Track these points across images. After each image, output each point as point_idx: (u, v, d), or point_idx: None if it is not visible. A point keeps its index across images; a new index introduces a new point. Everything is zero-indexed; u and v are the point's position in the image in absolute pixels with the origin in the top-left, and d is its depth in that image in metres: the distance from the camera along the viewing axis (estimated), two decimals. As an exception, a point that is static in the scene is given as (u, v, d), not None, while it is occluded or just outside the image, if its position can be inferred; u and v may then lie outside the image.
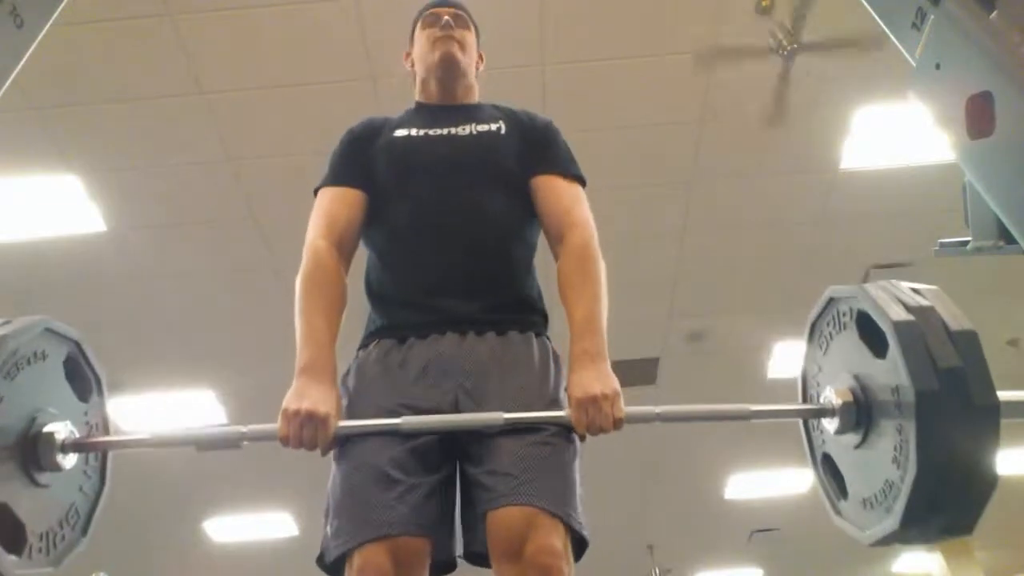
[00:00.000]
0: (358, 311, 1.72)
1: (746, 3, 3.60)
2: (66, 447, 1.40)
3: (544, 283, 1.77)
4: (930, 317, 1.34)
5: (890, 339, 1.34)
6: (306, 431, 1.46)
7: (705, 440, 6.46)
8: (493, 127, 1.80)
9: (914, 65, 1.44)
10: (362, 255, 1.78)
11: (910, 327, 1.32)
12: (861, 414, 1.43)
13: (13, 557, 1.29)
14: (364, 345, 1.68)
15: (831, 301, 1.54)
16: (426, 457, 1.51)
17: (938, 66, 1.38)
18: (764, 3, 3.60)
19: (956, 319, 1.34)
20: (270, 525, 7.29)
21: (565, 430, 1.53)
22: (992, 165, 1.31)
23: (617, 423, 1.48)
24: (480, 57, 1.97)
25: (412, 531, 1.44)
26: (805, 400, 1.63)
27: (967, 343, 1.31)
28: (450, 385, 1.57)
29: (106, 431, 1.56)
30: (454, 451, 1.55)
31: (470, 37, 1.91)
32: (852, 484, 1.49)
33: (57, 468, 1.39)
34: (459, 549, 1.57)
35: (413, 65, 1.95)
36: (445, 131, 1.78)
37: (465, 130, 1.78)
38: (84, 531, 1.48)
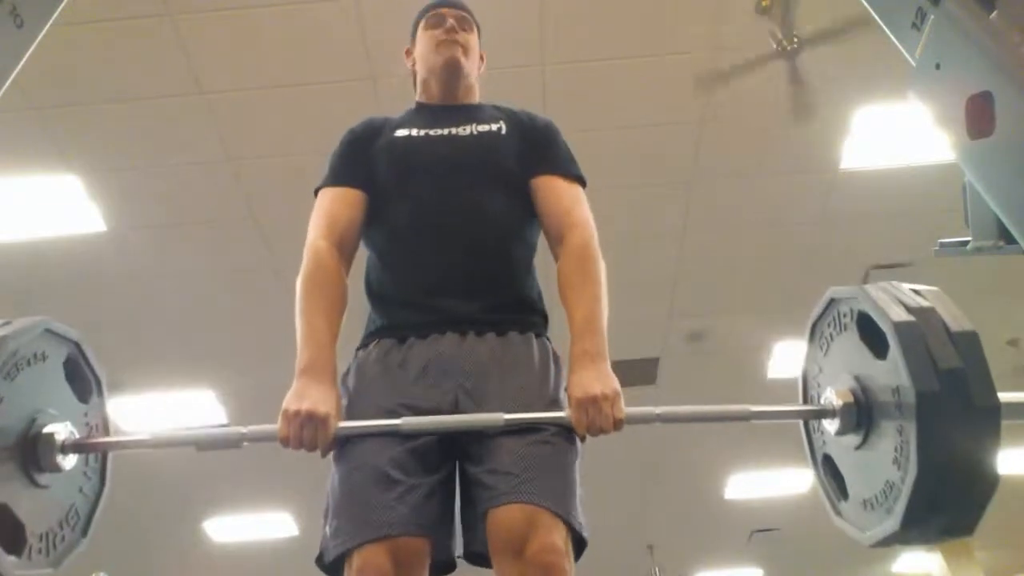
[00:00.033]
0: (358, 311, 1.72)
1: (746, 3, 3.60)
2: (66, 448, 1.40)
3: (544, 283, 1.77)
4: (931, 318, 1.34)
5: (891, 340, 1.34)
6: (306, 432, 1.46)
7: (705, 440, 6.46)
8: (494, 127, 1.80)
9: (914, 65, 1.44)
10: (362, 254, 1.78)
11: (911, 328, 1.32)
12: (862, 415, 1.43)
13: (13, 558, 1.29)
14: (364, 345, 1.68)
15: (832, 302, 1.54)
16: (426, 457, 1.51)
17: (938, 66, 1.38)
18: (764, 3, 3.60)
19: (957, 320, 1.34)
20: (270, 525, 7.29)
21: (566, 431, 1.52)
22: (992, 165, 1.31)
23: (617, 424, 1.48)
24: (481, 57, 1.97)
25: (412, 531, 1.44)
26: (806, 401, 1.63)
27: (968, 344, 1.31)
28: (450, 385, 1.57)
29: (106, 432, 1.56)
30: (454, 451, 1.55)
31: (473, 39, 1.91)
32: (853, 485, 1.49)
33: (57, 469, 1.39)
34: (459, 549, 1.57)
35: (414, 63, 1.95)
36: (446, 131, 1.78)
37: (466, 130, 1.78)
38: (84, 532, 1.48)
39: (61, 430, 1.40)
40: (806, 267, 4.92)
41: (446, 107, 1.86)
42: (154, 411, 5.63)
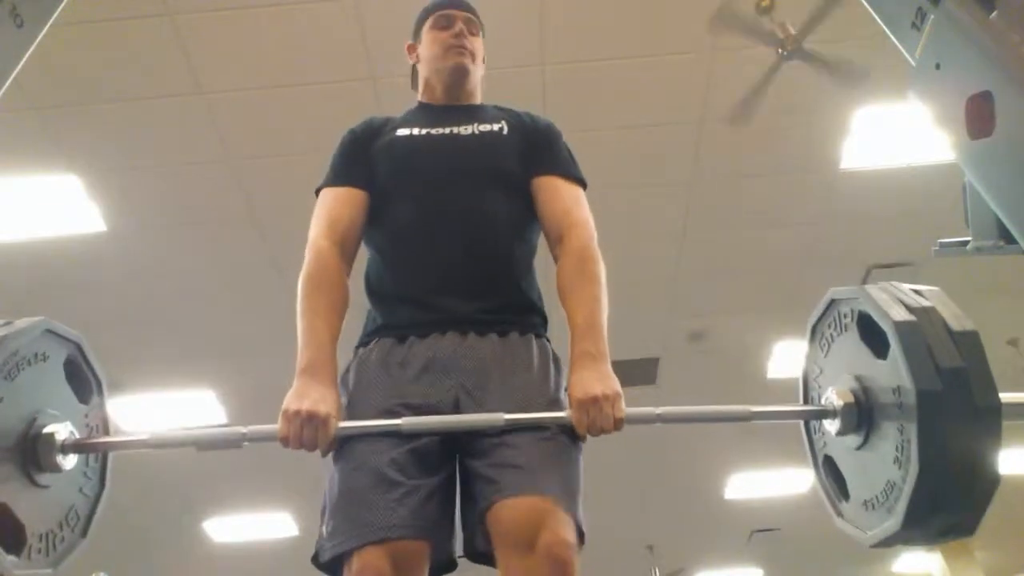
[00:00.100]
0: (358, 309, 1.72)
1: (746, 3, 3.60)
2: (66, 448, 1.40)
3: (544, 283, 1.77)
4: (931, 317, 1.34)
5: (891, 339, 1.34)
6: (306, 431, 1.46)
7: (705, 440, 6.47)
8: (495, 127, 1.80)
9: (914, 65, 1.44)
10: (362, 253, 1.78)
11: (911, 327, 1.32)
12: (862, 415, 1.43)
13: (12, 557, 1.29)
14: (364, 344, 1.68)
15: (832, 303, 1.54)
16: (426, 459, 1.51)
17: (938, 66, 1.38)
18: (764, 3, 3.60)
19: (957, 319, 1.34)
20: (270, 525, 7.29)
21: (567, 431, 1.52)
22: (992, 165, 1.31)
23: (618, 424, 1.47)
24: (482, 59, 1.97)
25: (411, 534, 1.43)
26: (806, 402, 1.63)
27: (969, 343, 1.31)
28: (451, 384, 1.57)
29: (106, 432, 1.56)
30: (454, 450, 1.55)
31: (479, 43, 1.91)
32: (853, 486, 1.49)
33: (57, 469, 1.39)
34: (459, 550, 1.57)
35: (417, 60, 1.94)
36: (448, 130, 1.78)
37: (468, 130, 1.78)
38: (84, 533, 1.48)
39: (61, 430, 1.39)
40: (806, 267, 4.92)
41: (448, 107, 1.86)
42: (154, 411, 5.63)
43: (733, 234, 4.79)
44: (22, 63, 1.51)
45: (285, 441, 1.46)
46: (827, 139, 4.21)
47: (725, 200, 4.56)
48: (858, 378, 1.45)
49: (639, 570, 8.11)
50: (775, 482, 7.12)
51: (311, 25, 3.53)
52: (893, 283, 1.44)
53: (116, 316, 4.80)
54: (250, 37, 3.57)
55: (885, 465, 1.37)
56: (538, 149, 1.79)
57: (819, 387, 1.58)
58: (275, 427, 1.47)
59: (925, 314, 1.34)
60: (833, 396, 1.47)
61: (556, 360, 1.67)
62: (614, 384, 1.49)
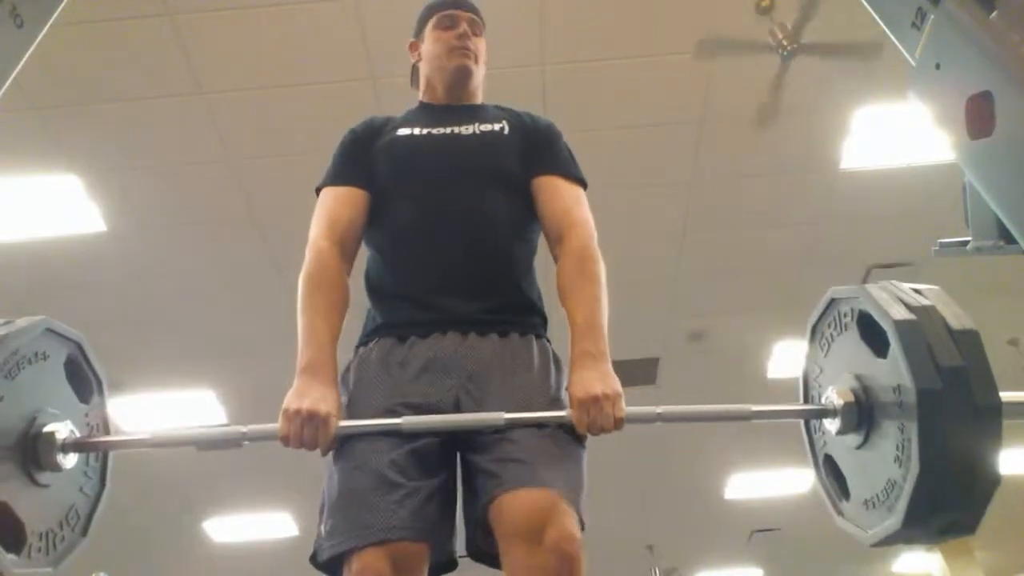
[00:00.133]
0: (359, 309, 1.72)
1: (746, 3, 3.60)
2: (66, 447, 1.40)
3: (544, 284, 1.77)
4: (931, 316, 1.34)
5: (891, 338, 1.34)
6: (307, 430, 1.46)
7: (705, 440, 6.47)
8: (496, 127, 1.80)
9: (914, 65, 1.44)
10: (362, 251, 1.78)
11: (912, 326, 1.32)
12: (863, 414, 1.43)
13: (12, 556, 1.29)
14: (364, 343, 1.68)
15: (832, 302, 1.54)
16: (426, 460, 1.51)
17: (938, 66, 1.38)
18: (764, 3, 3.60)
19: (957, 318, 1.34)
20: (270, 525, 7.29)
21: (569, 430, 1.52)
22: (992, 165, 1.31)
23: (618, 423, 1.47)
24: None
25: (411, 536, 1.43)
26: (806, 401, 1.63)
27: (969, 342, 1.31)
28: (451, 383, 1.57)
29: (107, 432, 1.56)
30: (454, 449, 1.55)
31: (483, 44, 1.91)
32: (854, 485, 1.49)
33: (57, 468, 1.39)
34: (460, 549, 1.57)
35: (419, 59, 1.93)
36: (448, 130, 1.78)
37: (468, 129, 1.78)
38: (84, 532, 1.48)
39: (62, 429, 1.40)
40: (806, 267, 4.92)
41: (450, 107, 1.86)
42: (154, 411, 5.63)
43: (733, 234, 4.79)
44: (22, 63, 1.51)
45: (285, 440, 1.47)
46: (827, 139, 4.21)
47: (725, 200, 4.56)
48: (858, 377, 1.45)
49: (639, 570, 8.11)
50: (775, 482, 7.12)
51: (311, 25, 3.53)
52: (893, 282, 1.44)
53: (116, 316, 4.80)
54: (250, 37, 3.57)
55: (886, 464, 1.37)
56: (538, 149, 1.79)
57: (819, 386, 1.58)
58: (275, 426, 1.47)
59: (925, 313, 1.34)
60: (833, 395, 1.47)
61: (557, 360, 1.67)
62: (615, 383, 1.49)
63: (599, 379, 1.49)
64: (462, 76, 1.85)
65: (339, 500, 1.48)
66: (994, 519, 1.39)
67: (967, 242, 1.60)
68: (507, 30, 3.44)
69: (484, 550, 1.51)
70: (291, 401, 1.48)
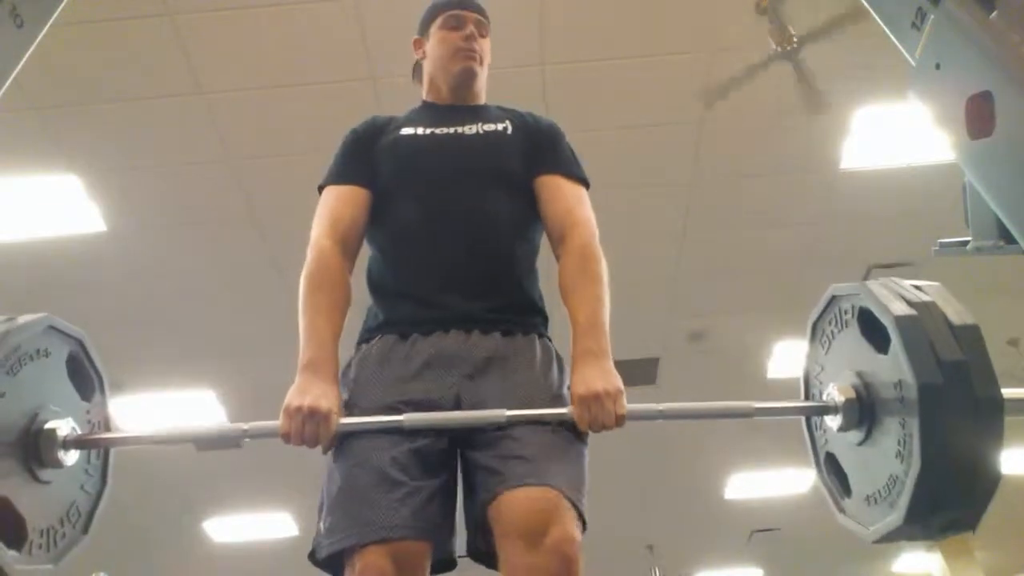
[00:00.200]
0: (360, 308, 1.72)
1: (746, 3, 3.60)
2: (68, 444, 1.40)
3: (544, 283, 1.78)
4: (932, 312, 1.35)
5: (892, 334, 1.34)
6: (308, 428, 1.46)
7: (705, 440, 6.47)
8: (499, 127, 1.80)
9: (914, 65, 1.44)
10: (364, 249, 1.78)
11: (912, 321, 1.32)
12: (864, 410, 1.43)
13: (13, 552, 1.29)
14: (366, 340, 1.68)
15: (833, 299, 1.55)
16: (428, 459, 1.51)
17: (938, 66, 1.38)
18: (764, 3, 3.60)
19: (958, 313, 1.35)
20: (270, 525, 7.29)
21: (571, 428, 1.52)
22: (992, 165, 1.31)
23: (619, 420, 1.47)
24: None
25: (413, 535, 1.43)
26: (808, 399, 1.63)
27: (969, 337, 1.32)
28: (452, 380, 1.57)
29: (108, 430, 1.56)
30: (455, 448, 1.55)
31: (488, 45, 1.90)
32: (855, 481, 1.50)
33: (58, 465, 1.39)
34: (460, 549, 1.57)
35: (423, 57, 1.93)
36: (452, 130, 1.78)
37: (472, 129, 1.78)
38: (85, 530, 1.48)
39: (63, 426, 1.40)
40: (806, 267, 4.92)
41: (453, 107, 1.86)
42: (154, 411, 5.63)
43: (733, 234, 4.79)
44: (22, 63, 1.51)
45: (286, 437, 1.47)
46: (827, 139, 4.21)
47: (725, 200, 4.56)
48: (859, 374, 1.46)
49: (639, 570, 8.10)
50: (775, 482, 7.12)
51: (311, 25, 3.53)
52: (893, 279, 1.45)
53: (116, 316, 4.79)
54: (250, 37, 3.56)
55: (887, 460, 1.37)
56: (541, 149, 1.80)
57: (820, 384, 1.59)
58: (276, 423, 1.47)
59: (926, 308, 1.35)
60: (834, 392, 1.48)
61: (559, 358, 1.67)
62: (616, 381, 1.50)
63: (601, 376, 1.49)
64: (467, 78, 1.85)
65: (339, 497, 1.48)
66: (994, 519, 1.39)
67: (967, 242, 1.61)
68: (507, 30, 3.42)
69: (484, 550, 1.51)
70: (292, 398, 1.48)
